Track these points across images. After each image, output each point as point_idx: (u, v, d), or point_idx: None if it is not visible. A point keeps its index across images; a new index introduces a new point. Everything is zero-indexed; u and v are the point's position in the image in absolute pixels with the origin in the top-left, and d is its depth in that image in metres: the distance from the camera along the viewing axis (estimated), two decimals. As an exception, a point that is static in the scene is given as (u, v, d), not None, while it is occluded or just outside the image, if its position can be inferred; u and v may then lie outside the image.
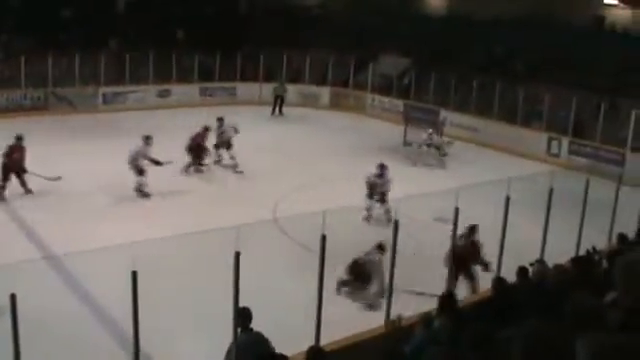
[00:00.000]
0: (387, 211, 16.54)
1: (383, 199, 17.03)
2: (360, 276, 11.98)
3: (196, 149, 20.67)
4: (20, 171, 17.72)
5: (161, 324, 9.44)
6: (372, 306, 11.40)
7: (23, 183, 17.82)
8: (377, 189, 17.12)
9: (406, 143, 25.11)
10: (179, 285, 11.91)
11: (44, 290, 11.00)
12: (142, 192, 18.17)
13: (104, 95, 30.77)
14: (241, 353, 7.50)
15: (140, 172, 18.21)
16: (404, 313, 8.83)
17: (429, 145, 23.36)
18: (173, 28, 35.44)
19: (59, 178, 17.93)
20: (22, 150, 17.88)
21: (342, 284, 12.09)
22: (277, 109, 31.68)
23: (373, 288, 11.74)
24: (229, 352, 7.64)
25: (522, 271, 9.08)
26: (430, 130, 23.98)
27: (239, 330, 7.60)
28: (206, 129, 21.10)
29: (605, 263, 9.38)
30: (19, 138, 17.98)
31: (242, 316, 7.61)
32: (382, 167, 17.33)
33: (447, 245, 10.31)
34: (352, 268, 12.03)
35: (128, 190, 18.07)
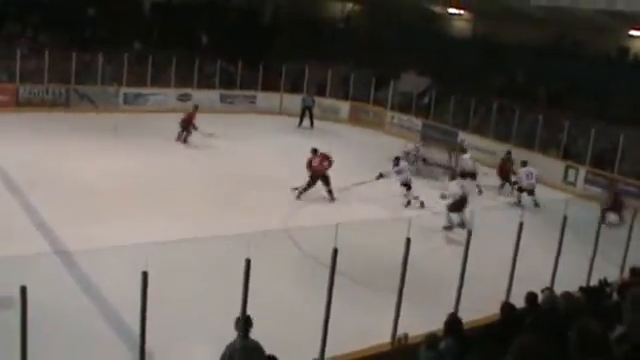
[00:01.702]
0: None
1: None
2: None
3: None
4: None
5: (167, 325, 9.46)
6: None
7: None
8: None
9: (425, 162, 25.04)
10: (188, 288, 11.97)
11: (54, 284, 11.04)
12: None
13: (125, 95, 30.95)
14: (234, 359, 7.53)
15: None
16: (410, 332, 8.83)
17: (415, 159, 23.27)
18: (197, 33, 35.64)
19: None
20: None
21: None
22: (304, 120, 31.57)
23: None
24: (223, 357, 7.65)
25: (531, 297, 9.03)
26: (420, 143, 24.47)
27: (237, 336, 7.61)
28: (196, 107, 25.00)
29: (616, 296, 9.32)
30: None
31: (239, 324, 7.59)
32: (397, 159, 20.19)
33: (458, 263, 10.25)
34: None
35: (143, 190, 18.16)
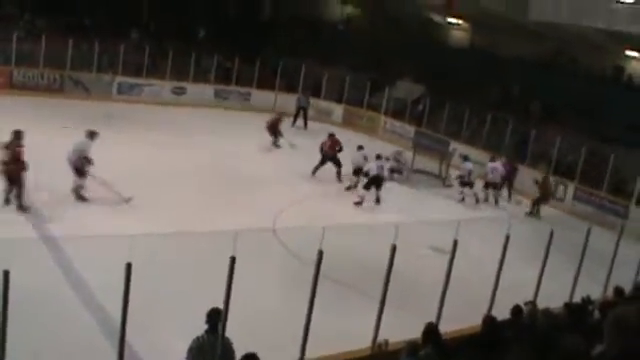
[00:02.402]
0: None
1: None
2: None
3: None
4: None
5: (147, 317, 9.43)
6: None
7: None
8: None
9: (414, 170, 25.14)
10: (171, 282, 11.94)
11: (37, 269, 11.00)
12: (80, 195, 16.46)
13: (119, 85, 30.88)
14: (202, 353, 7.52)
15: (81, 173, 16.37)
16: (391, 339, 8.83)
17: (392, 170, 23.38)
18: (195, 26, 35.59)
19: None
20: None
21: None
22: (298, 120, 31.57)
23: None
24: (190, 350, 7.62)
25: (516, 309, 9.05)
26: (399, 150, 24.98)
27: (205, 331, 7.61)
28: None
29: (597, 314, 9.35)
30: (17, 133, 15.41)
31: (211, 316, 7.60)
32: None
33: (442, 274, 10.27)
34: None
35: (131, 181, 18.10)
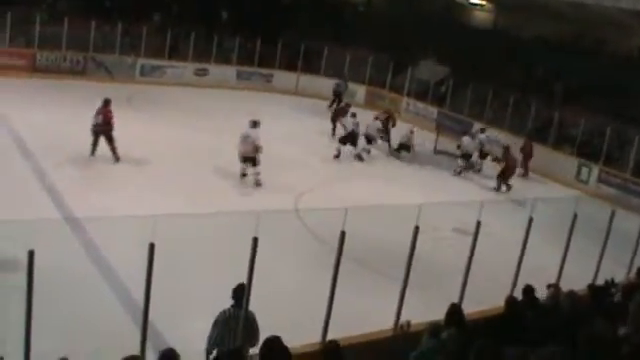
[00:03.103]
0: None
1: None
2: None
3: None
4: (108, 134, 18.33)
5: (170, 297, 9.48)
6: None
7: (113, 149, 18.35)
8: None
9: (436, 151, 25.06)
10: (194, 262, 12.02)
11: (61, 250, 11.07)
12: (259, 182, 17.98)
13: (142, 67, 30.95)
14: (227, 325, 7.74)
15: (256, 161, 17.97)
16: (413, 320, 8.83)
17: (400, 147, 24.26)
18: (217, 8, 35.52)
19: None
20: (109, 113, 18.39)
21: None
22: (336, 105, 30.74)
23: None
24: (216, 322, 7.84)
25: (528, 289, 9.01)
26: (412, 129, 24.83)
27: (231, 305, 7.84)
28: None
29: (620, 297, 9.29)
30: (106, 102, 18.52)
31: (237, 291, 7.79)
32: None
33: (464, 256, 10.22)
34: None
35: (155, 162, 18.21)
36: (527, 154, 24.28)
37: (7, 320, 7.33)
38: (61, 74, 28.62)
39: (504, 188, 21.85)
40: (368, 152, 23.34)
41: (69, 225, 13.06)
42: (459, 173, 23.03)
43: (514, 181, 22.20)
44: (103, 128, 18.22)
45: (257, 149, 17.76)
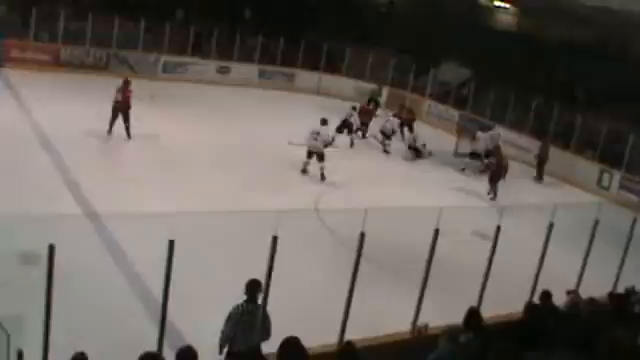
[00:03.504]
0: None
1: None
2: None
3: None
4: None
5: (189, 295, 9.51)
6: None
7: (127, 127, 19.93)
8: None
9: (457, 154, 24.96)
10: (213, 260, 12.03)
11: (81, 245, 11.15)
12: (324, 176, 19.31)
13: (165, 63, 31.07)
14: (241, 321, 7.82)
15: (324, 157, 19.38)
16: (431, 323, 8.79)
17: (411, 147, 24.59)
18: (241, 6, 35.58)
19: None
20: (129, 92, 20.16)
21: None
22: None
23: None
24: (229, 317, 7.92)
25: (545, 295, 8.96)
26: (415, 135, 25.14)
27: (243, 301, 7.91)
28: None
29: (638, 308, 9.21)
30: (126, 82, 20.39)
31: (249, 287, 7.87)
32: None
33: (483, 260, 10.17)
34: None
35: (175, 160, 18.25)
36: (542, 159, 24.14)
37: (26, 313, 7.37)
38: (84, 69, 28.80)
39: (491, 194, 20.66)
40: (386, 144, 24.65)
41: (89, 220, 13.12)
42: (463, 170, 23.37)
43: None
44: (122, 106, 19.79)
45: (326, 145, 19.56)
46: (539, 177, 24.23)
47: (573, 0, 28.11)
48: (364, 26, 35.10)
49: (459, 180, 22.36)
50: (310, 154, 19.46)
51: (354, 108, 25.59)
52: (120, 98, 19.86)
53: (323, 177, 19.28)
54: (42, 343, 6.27)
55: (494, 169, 21.07)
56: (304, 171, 19.58)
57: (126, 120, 19.82)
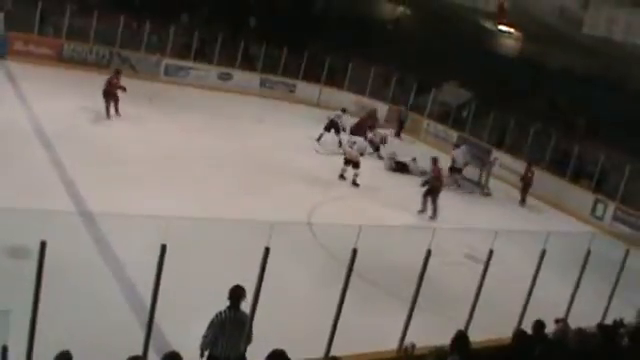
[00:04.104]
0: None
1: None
2: None
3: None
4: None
5: (176, 299, 9.46)
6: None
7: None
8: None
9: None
10: (203, 266, 11.98)
11: (71, 242, 11.09)
12: (356, 183, 20.77)
13: (167, 66, 31.08)
14: (223, 327, 7.78)
15: (358, 164, 21.02)
16: (418, 343, 8.76)
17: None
18: (246, 14, 35.66)
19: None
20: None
21: None
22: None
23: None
24: (211, 323, 7.85)
25: (538, 324, 8.93)
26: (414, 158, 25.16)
27: (227, 307, 7.86)
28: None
29: (626, 340, 9.18)
30: (117, 71, 22.95)
31: (234, 294, 7.86)
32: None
33: (474, 283, 10.15)
34: None
35: (171, 163, 18.21)
36: (527, 183, 24.10)
37: (13, 308, 7.33)
38: (86, 66, 28.77)
39: (429, 212, 19.42)
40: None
41: (83, 218, 13.07)
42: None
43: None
44: (110, 90, 21.82)
45: (362, 154, 21.31)
46: (522, 201, 24.17)
47: (577, 30, 28.18)
48: (368, 42, 35.15)
49: (454, 202, 22.30)
50: (347, 162, 20.99)
51: (344, 110, 26.76)
52: (107, 85, 21.85)
53: (355, 183, 20.68)
54: (27, 340, 6.23)
55: (434, 183, 19.60)
56: (342, 177, 21.02)
57: (116, 102, 21.91)
